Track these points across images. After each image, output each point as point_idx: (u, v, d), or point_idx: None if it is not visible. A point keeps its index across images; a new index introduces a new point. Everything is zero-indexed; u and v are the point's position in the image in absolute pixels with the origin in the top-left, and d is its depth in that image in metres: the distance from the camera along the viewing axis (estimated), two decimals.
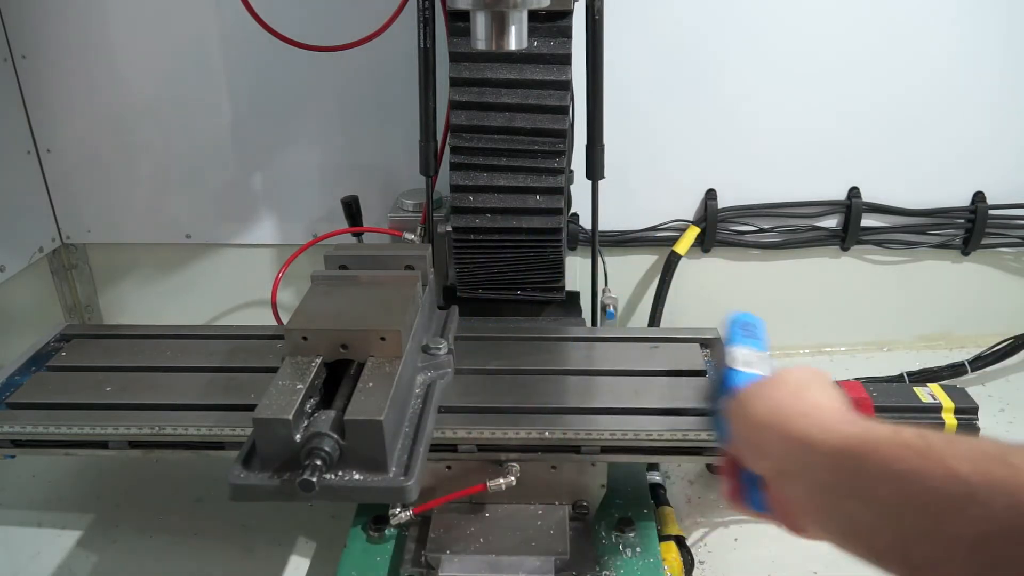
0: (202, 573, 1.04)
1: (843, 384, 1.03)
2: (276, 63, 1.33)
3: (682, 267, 1.40)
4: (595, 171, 1.17)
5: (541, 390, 0.97)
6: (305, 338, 0.81)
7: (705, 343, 1.09)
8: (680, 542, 0.99)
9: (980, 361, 1.37)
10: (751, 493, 0.58)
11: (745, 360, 0.67)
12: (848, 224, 1.39)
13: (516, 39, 0.84)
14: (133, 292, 1.57)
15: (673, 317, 1.43)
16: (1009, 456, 0.37)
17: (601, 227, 1.23)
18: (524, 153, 1.09)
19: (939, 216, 1.40)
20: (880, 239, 1.42)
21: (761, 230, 1.42)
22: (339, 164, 1.42)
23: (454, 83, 1.08)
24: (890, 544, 0.41)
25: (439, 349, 0.94)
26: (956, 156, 1.37)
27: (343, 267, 0.98)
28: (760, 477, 0.55)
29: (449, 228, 1.14)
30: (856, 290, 1.48)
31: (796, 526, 0.53)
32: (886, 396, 1.01)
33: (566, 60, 1.07)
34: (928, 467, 0.39)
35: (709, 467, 1.19)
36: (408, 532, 0.95)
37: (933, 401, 1.00)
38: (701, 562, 1.03)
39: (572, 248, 1.39)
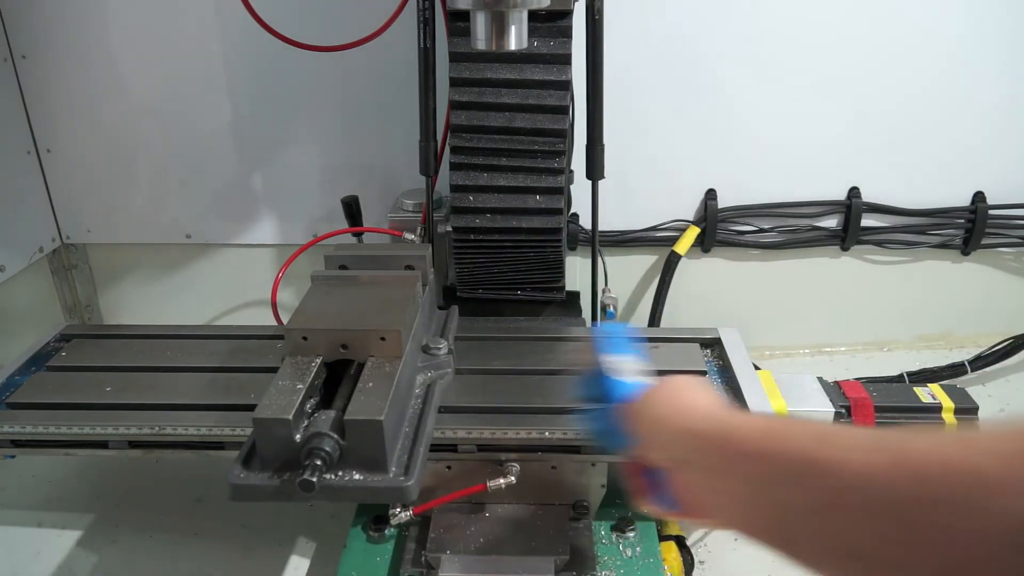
0: (202, 573, 1.04)
1: (843, 384, 1.03)
2: (276, 63, 1.33)
3: (682, 267, 1.40)
4: (595, 171, 1.17)
5: (541, 390, 0.97)
6: (305, 338, 0.81)
7: (705, 343, 1.09)
8: (680, 542, 0.99)
9: (980, 361, 1.37)
10: (657, 489, 0.63)
11: (629, 370, 0.72)
12: (848, 224, 1.39)
13: (516, 39, 0.84)
14: (133, 292, 1.57)
15: (673, 317, 1.43)
16: (828, 436, 0.43)
17: (601, 227, 1.23)
18: (524, 153, 1.09)
19: (939, 216, 1.40)
20: (880, 239, 1.42)
21: (761, 230, 1.42)
22: (339, 164, 1.42)
23: (454, 83, 1.08)
24: (762, 519, 0.47)
25: (439, 349, 0.94)
26: (956, 156, 1.37)
27: (343, 267, 0.98)
28: (663, 473, 0.60)
29: (449, 228, 1.14)
30: (856, 290, 1.48)
31: (697, 512, 0.59)
32: (886, 396, 1.01)
33: (566, 60, 1.07)
34: (770, 447, 0.46)
35: None
36: (408, 532, 0.94)
37: (933, 401, 1.01)
38: (701, 562, 1.03)
39: (572, 248, 1.39)
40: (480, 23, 0.83)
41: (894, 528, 0.37)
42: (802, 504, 0.43)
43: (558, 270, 1.15)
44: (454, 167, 1.10)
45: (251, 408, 0.73)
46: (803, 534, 0.44)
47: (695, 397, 0.60)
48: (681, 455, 0.57)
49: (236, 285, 1.52)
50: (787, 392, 0.97)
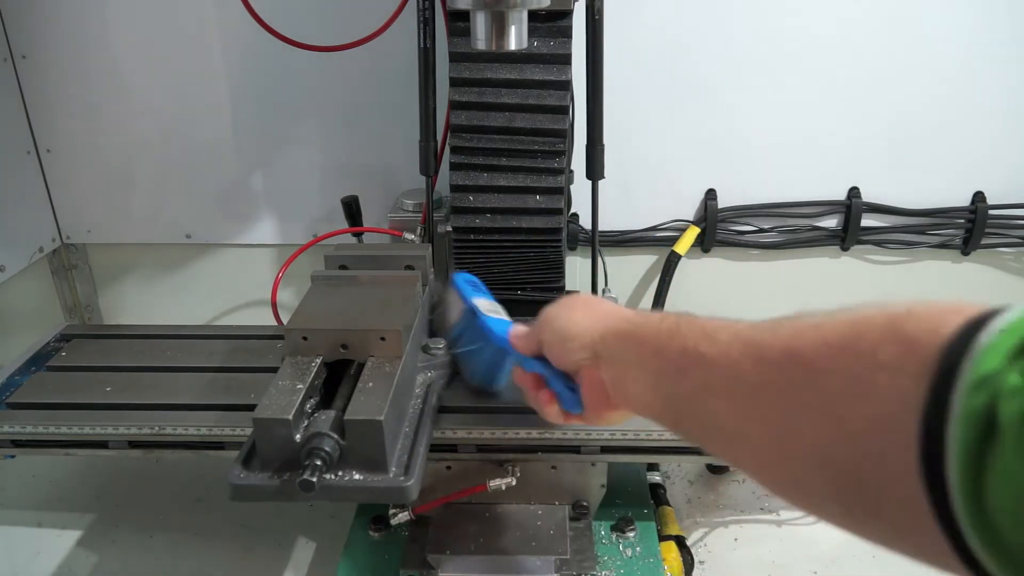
0: (202, 573, 1.04)
1: None
2: (276, 63, 1.33)
3: (682, 267, 1.40)
4: (595, 171, 1.17)
5: None
6: (305, 338, 0.81)
7: None
8: (680, 542, 0.99)
9: None
10: (563, 395, 0.69)
11: (491, 309, 0.81)
12: (848, 224, 1.39)
13: (516, 39, 0.84)
14: (133, 292, 1.57)
15: None
16: (715, 333, 0.50)
17: (601, 227, 1.23)
18: (524, 153, 1.09)
19: (939, 216, 1.40)
20: (880, 239, 1.42)
21: (761, 230, 1.42)
22: (339, 164, 1.42)
23: (454, 83, 1.08)
24: (660, 405, 0.55)
25: (439, 349, 0.94)
26: (956, 156, 1.37)
27: (343, 267, 0.98)
28: (567, 377, 0.68)
29: (449, 228, 1.14)
30: (856, 290, 1.48)
31: (605, 405, 0.65)
32: None
33: (566, 60, 1.07)
34: (671, 344, 0.53)
35: (709, 467, 1.19)
36: (408, 532, 0.94)
37: None
38: (701, 562, 1.03)
39: (572, 248, 1.39)
40: (480, 23, 0.83)
41: (749, 408, 0.45)
42: (687, 391, 0.51)
43: (558, 270, 1.15)
44: (454, 167, 1.10)
45: (251, 408, 0.73)
46: (687, 417, 0.53)
47: (601, 304, 0.68)
48: (599, 352, 0.63)
49: (236, 285, 1.52)
50: None
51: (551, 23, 1.05)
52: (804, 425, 0.41)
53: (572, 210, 1.33)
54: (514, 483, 0.90)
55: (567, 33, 1.06)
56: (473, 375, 0.91)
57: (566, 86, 1.07)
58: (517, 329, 0.77)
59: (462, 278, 0.88)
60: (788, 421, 0.42)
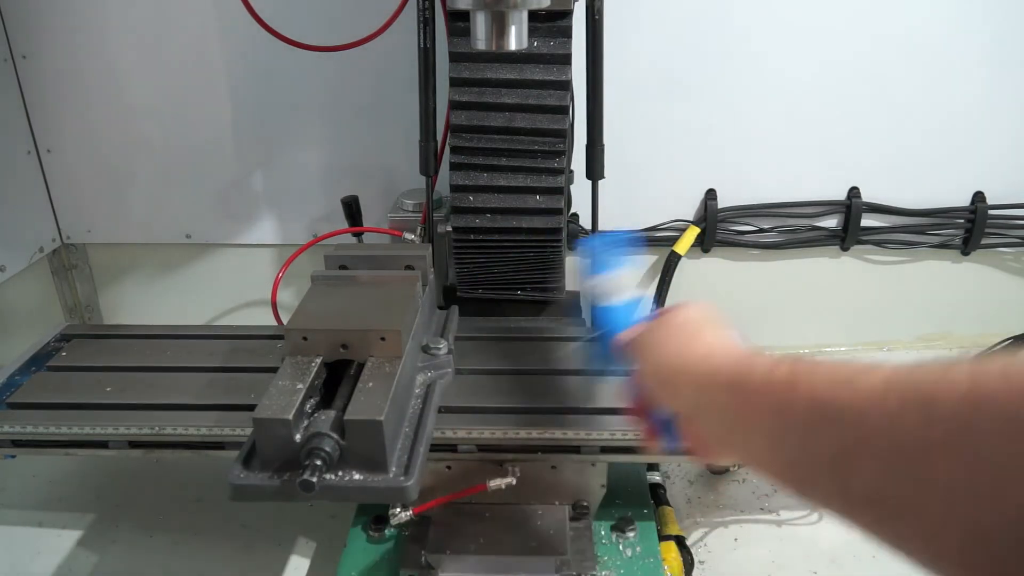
0: (202, 573, 1.04)
1: None
2: (276, 63, 1.33)
3: (682, 267, 1.40)
4: (595, 171, 1.17)
5: (541, 390, 0.97)
6: (305, 338, 0.81)
7: None
8: (680, 542, 0.99)
9: None
10: (665, 429, 0.64)
11: (612, 289, 0.72)
12: (848, 224, 1.39)
13: (516, 39, 0.84)
14: (133, 292, 1.57)
15: None
16: (855, 379, 0.40)
17: (601, 227, 1.23)
18: (524, 153, 1.09)
19: (939, 216, 1.40)
20: (880, 239, 1.42)
21: (761, 230, 1.42)
22: (339, 164, 1.42)
23: (454, 83, 1.08)
24: (780, 466, 0.46)
25: (439, 349, 0.94)
26: (956, 156, 1.37)
27: (343, 267, 0.98)
28: (671, 413, 0.60)
29: (449, 228, 1.14)
30: (856, 290, 1.48)
31: (706, 453, 0.59)
32: None
33: (566, 60, 1.07)
34: (793, 398, 0.44)
35: (709, 467, 1.19)
36: (408, 532, 0.94)
37: None
38: (701, 562, 1.03)
39: (572, 248, 1.39)
40: (480, 23, 0.83)
41: (919, 470, 0.36)
42: (822, 454, 0.41)
43: (558, 270, 1.15)
44: (454, 167, 1.10)
45: (251, 408, 0.72)
46: (824, 483, 0.42)
47: (704, 332, 0.57)
48: (692, 404, 0.55)
49: (236, 285, 1.52)
50: None
51: (551, 23, 1.05)
52: (1008, 488, 0.32)
53: (572, 210, 1.33)
54: (514, 483, 0.90)
55: (567, 33, 1.06)
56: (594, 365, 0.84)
57: (566, 86, 1.07)
58: (628, 335, 0.67)
59: (588, 244, 0.79)
60: (981, 485, 0.34)
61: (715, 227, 1.39)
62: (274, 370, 0.78)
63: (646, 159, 1.37)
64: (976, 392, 0.34)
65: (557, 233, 1.11)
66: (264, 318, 1.31)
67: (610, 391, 0.97)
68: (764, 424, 0.47)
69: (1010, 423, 0.32)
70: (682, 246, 1.39)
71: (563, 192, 1.10)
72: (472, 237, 1.12)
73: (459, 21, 1.05)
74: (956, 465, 0.34)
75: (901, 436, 0.37)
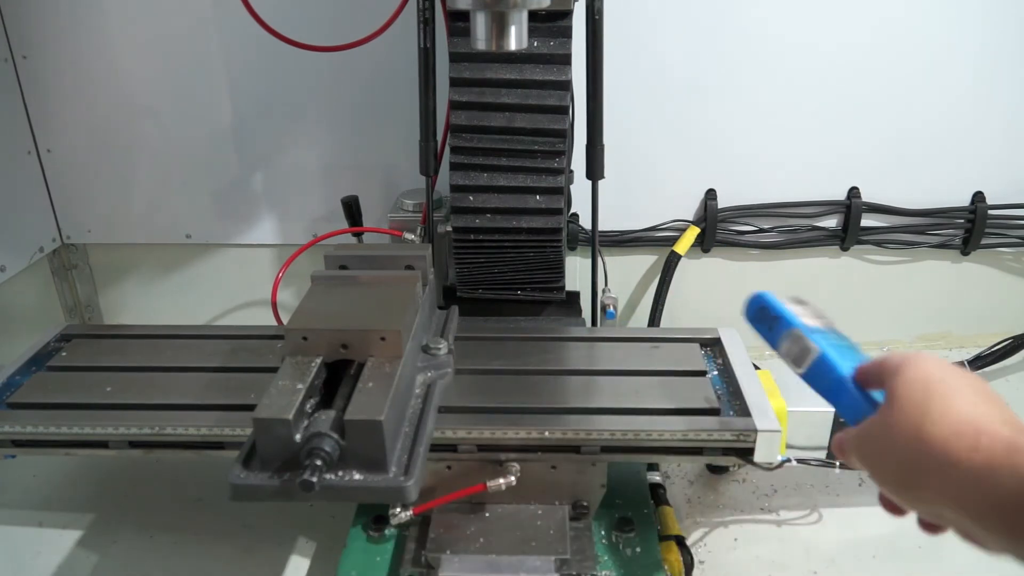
0: (202, 573, 1.04)
1: None
2: (276, 63, 1.33)
3: (682, 267, 1.40)
4: (595, 171, 1.17)
5: (541, 390, 0.97)
6: (305, 338, 0.81)
7: (705, 343, 1.09)
8: (680, 542, 0.99)
9: (980, 361, 1.37)
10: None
11: (799, 347, 0.59)
12: (848, 224, 1.39)
13: (516, 39, 0.84)
14: (133, 292, 1.57)
15: (673, 317, 1.43)
16: None
17: (601, 227, 1.23)
18: (524, 153, 1.09)
19: (939, 216, 1.40)
20: (880, 239, 1.42)
21: (761, 230, 1.42)
22: (339, 164, 1.42)
23: (454, 83, 1.08)
24: None
25: (439, 349, 0.94)
26: (956, 156, 1.37)
27: (343, 267, 0.98)
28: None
29: (449, 228, 1.14)
30: (856, 290, 1.48)
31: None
32: None
33: (566, 60, 1.07)
34: None
35: (709, 467, 1.19)
36: (408, 532, 0.94)
37: None
38: (701, 562, 1.03)
39: (572, 248, 1.39)
40: (480, 23, 0.83)
41: None
42: None
43: (558, 270, 1.15)
44: (454, 167, 1.10)
45: (251, 408, 0.72)
46: None
47: (963, 408, 0.47)
48: (936, 511, 0.47)
49: (236, 285, 1.52)
50: (787, 392, 0.97)
51: (551, 23, 1.05)
52: None
53: (572, 210, 1.33)
54: (514, 483, 0.90)
55: (567, 33, 1.06)
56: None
57: (566, 86, 1.07)
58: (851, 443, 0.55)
59: (764, 303, 0.71)
60: None
61: (715, 227, 1.39)
62: (274, 370, 0.78)
63: (646, 159, 1.37)
64: None
65: (557, 233, 1.11)
66: (264, 318, 1.31)
67: (610, 391, 0.97)
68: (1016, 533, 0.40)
69: None
70: (682, 246, 1.39)
71: (563, 192, 1.10)
72: (472, 237, 1.12)
73: (459, 21, 1.05)
74: None
75: None
